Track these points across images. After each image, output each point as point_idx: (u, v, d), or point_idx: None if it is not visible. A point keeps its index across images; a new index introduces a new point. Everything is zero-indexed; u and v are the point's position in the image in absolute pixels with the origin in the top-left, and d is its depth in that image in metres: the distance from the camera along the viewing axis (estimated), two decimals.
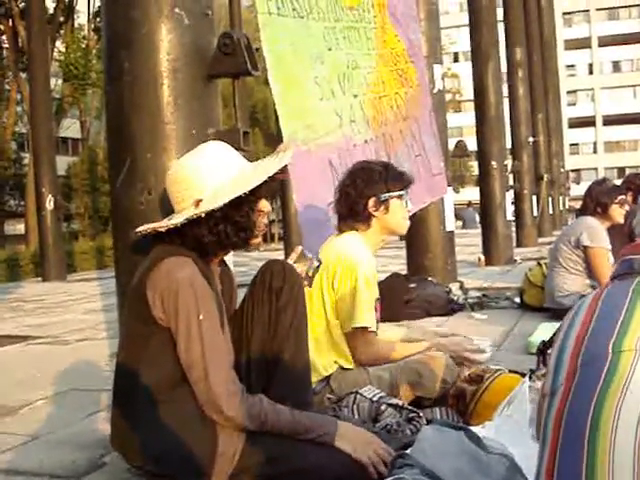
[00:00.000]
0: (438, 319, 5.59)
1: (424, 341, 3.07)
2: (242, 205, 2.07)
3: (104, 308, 7.89)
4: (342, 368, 2.89)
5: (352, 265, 2.85)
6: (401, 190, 3.01)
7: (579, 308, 1.36)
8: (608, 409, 1.20)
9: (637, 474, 1.16)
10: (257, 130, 30.05)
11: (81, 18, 29.21)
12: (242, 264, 7.69)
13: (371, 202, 2.95)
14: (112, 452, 2.66)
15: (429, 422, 2.30)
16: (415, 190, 4.91)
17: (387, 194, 2.96)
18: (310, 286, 2.92)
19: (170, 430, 2.01)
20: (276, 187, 2.20)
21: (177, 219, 2.05)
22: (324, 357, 2.87)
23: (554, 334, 3.03)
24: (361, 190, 2.95)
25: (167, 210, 2.21)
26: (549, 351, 2.99)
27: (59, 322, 7.07)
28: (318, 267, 2.92)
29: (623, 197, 5.20)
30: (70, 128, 31.12)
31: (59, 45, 27.09)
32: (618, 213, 5.14)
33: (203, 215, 2.03)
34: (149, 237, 2.16)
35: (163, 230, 2.07)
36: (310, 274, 2.95)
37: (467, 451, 1.75)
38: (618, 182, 5.99)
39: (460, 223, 26.18)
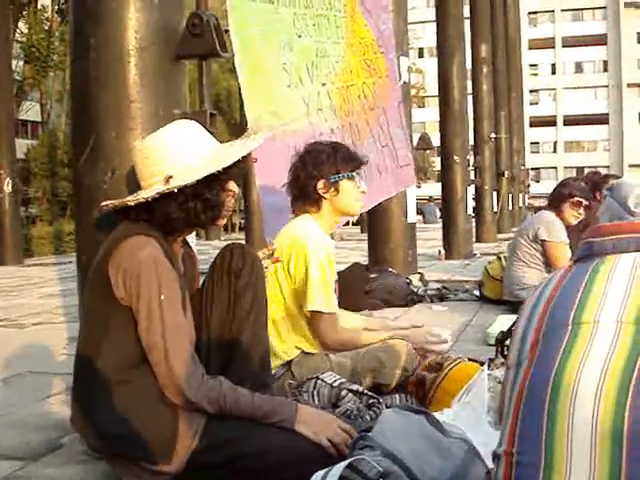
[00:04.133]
0: (398, 310, 5.62)
1: (386, 332, 3.08)
2: (213, 183, 2.06)
3: (61, 293, 7.81)
4: (304, 353, 2.88)
5: (304, 248, 2.83)
6: (352, 171, 2.96)
7: (545, 286, 1.42)
8: (568, 378, 1.25)
9: (595, 441, 1.20)
10: (221, 119, 29.85)
11: None
12: (202, 252, 7.63)
13: (320, 184, 2.91)
14: (69, 434, 2.65)
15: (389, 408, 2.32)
16: (381, 181, 4.95)
17: (337, 175, 2.92)
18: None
19: (130, 410, 1.99)
20: (245, 170, 2.18)
21: (147, 193, 2.03)
22: (284, 342, 2.86)
23: (512, 325, 3.08)
24: (310, 172, 2.91)
25: (133, 187, 2.18)
26: (507, 342, 3.04)
27: (15, 306, 6.98)
28: (273, 253, 2.90)
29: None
30: (30, 111, 30.62)
31: (22, 26, 26.61)
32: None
33: (176, 190, 2.01)
34: (112, 215, 2.13)
35: (131, 204, 2.05)
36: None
37: (427, 434, 1.77)
38: None
39: (420, 218, 26.36)
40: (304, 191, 2.94)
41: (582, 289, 1.33)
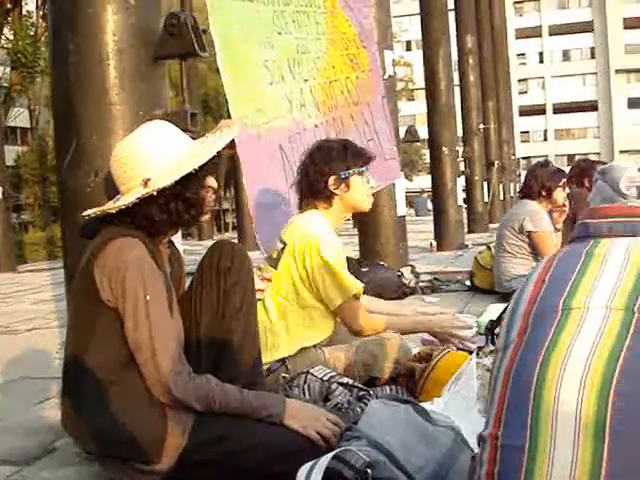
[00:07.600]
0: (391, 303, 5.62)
1: (413, 317, 3.19)
2: (191, 182, 2.06)
3: (54, 298, 7.80)
4: (302, 349, 2.90)
5: (315, 245, 2.84)
6: (361, 167, 2.98)
7: (534, 269, 1.42)
8: (554, 363, 1.25)
9: (578, 428, 1.21)
10: (209, 118, 29.80)
11: (29, 5, 28.59)
12: (194, 252, 7.64)
13: (331, 180, 2.92)
14: (62, 438, 2.66)
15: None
16: None
17: (347, 171, 2.93)
18: (276, 268, 2.91)
19: (119, 411, 2.00)
20: (221, 163, 2.19)
21: (127, 199, 2.03)
22: (291, 337, 2.87)
23: (502, 313, 3.11)
24: (320, 168, 2.92)
25: (112, 192, 2.18)
26: (497, 330, 3.06)
27: (9, 312, 6.98)
28: (283, 249, 2.91)
29: (565, 180, 5.29)
30: (19, 117, 30.50)
31: (7, 32, 26.51)
32: (561, 196, 5.23)
33: (155, 193, 2.02)
34: (97, 220, 2.14)
35: (114, 212, 2.05)
36: (275, 256, 2.94)
37: (414, 424, 1.78)
38: (567, 169, 6.06)
39: (413, 211, 26.39)
40: (314, 188, 2.95)
41: (576, 273, 1.33)
